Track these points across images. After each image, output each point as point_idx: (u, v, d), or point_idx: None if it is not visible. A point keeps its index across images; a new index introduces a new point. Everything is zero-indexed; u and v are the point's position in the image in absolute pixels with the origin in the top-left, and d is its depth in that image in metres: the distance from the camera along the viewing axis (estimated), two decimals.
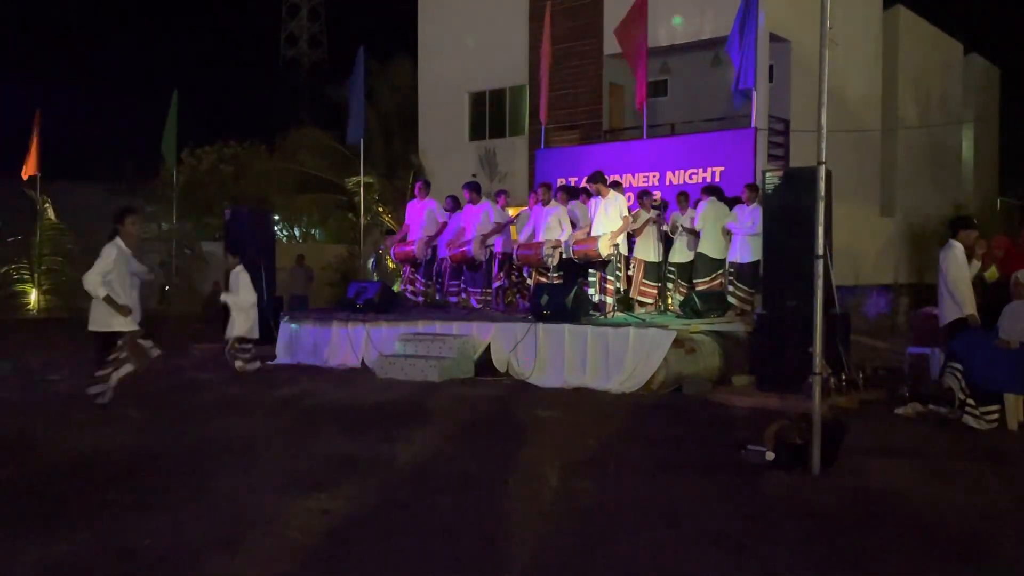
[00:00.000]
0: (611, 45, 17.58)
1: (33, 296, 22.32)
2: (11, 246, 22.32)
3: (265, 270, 13.23)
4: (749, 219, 10.73)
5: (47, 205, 22.28)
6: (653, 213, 11.50)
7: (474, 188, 12.10)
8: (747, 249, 10.84)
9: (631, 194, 12.10)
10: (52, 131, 21.68)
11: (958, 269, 8.00)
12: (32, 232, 22.24)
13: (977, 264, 8.36)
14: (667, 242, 11.71)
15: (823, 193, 5.69)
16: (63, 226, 22.65)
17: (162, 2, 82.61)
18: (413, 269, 12.70)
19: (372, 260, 17.14)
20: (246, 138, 30.01)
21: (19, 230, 22.28)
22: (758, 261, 10.78)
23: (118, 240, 7.88)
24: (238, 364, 10.53)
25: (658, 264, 11.56)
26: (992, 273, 8.83)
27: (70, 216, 23.09)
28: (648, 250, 11.46)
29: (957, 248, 8.07)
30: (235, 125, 35.76)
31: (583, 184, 12.90)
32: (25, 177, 21.00)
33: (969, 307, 7.98)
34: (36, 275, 22.32)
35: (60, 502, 5.09)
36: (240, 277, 10.74)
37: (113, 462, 6.11)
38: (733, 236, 11.06)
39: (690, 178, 12.94)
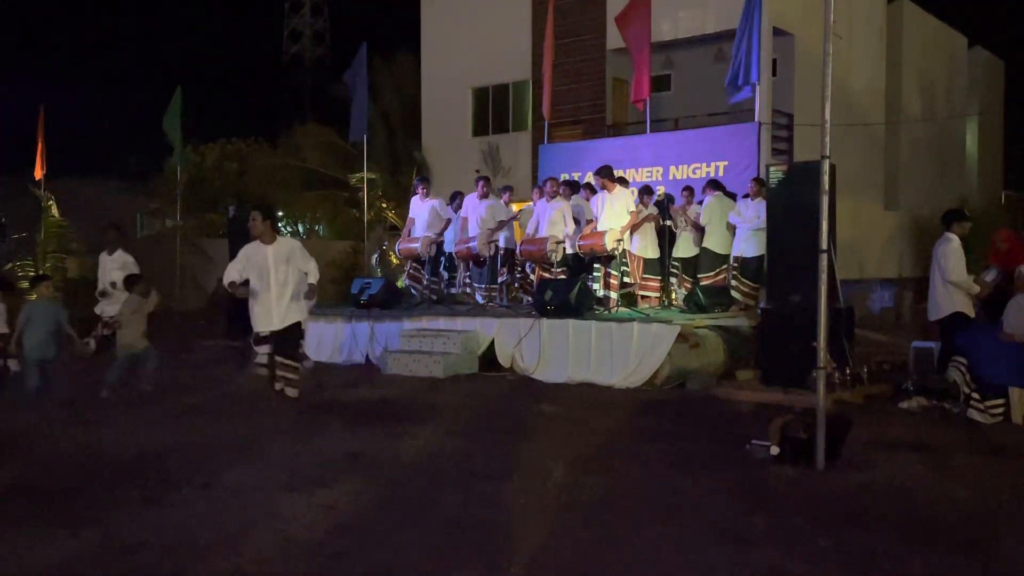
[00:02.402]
0: (614, 40, 17.56)
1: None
2: (15, 243, 22.36)
3: None
4: (754, 213, 10.71)
5: (51, 202, 22.31)
6: (653, 210, 11.49)
7: (487, 181, 12.22)
8: (751, 244, 10.82)
9: (634, 189, 12.10)
10: (56, 128, 21.70)
11: (958, 262, 7.99)
12: (36, 229, 22.27)
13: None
14: (671, 237, 11.71)
15: (827, 187, 5.69)
16: (67, 223, 22.69)
17: None
18: (417, 265, 12.71)
19: (376, 256, 17.14)
20: (250, 135, 30.06)
21: (23, 227, 22.32)
22: (763, 256, 10.79)
23: (256, 239, 7.83)
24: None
25: (657, 260, 11.54)
26: None
27: (74, 213, 23.11)
28: (645, 247, 11.44)
29: (955, 241, 8.06)
30: (239, 122, 35.86)
31: (586, 179, 12.94)
32: (38, 177, 21.05)
33: (974, 289, 8.03)
34: (40, 272, 22.34)
35: (66, 498, 5.11)
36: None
37: (118, 458, 6.13)
38: (737, 230, 11.05)
39: (693, 173, 12.93)
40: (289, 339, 7.80)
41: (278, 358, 7.78)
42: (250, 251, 7.73)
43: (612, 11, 17.60)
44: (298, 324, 7.84)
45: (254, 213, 7.76)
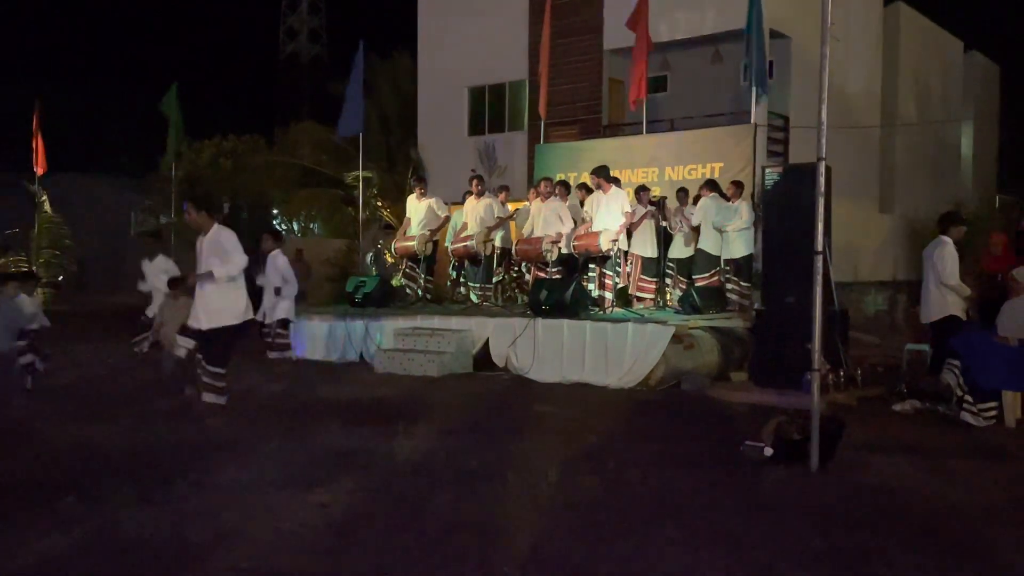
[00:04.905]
0: (611, 40, 17.58)
1: None
2: (9, 239, 22.31)
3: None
4: (736, 215, 10.86)
5: (44, 198, 22.27)
6: (651, 208, 11.52)
7: (481, 180, 12.24)
8: (738, 245, 10.95)
9: (629, 189, 12.10)
10: (50, 124, 21.63)
11: (953, 265, 8.01)
12: (30, 225, 22.23)
13: None
14: (666, 237, 11.72)
15: (823, 189, 5.70)
16: (60, 219, 22.66)
17: None
18: (413, 264, 12.70)
19: (371, 255, 17.12)
20: (245, 132, 29.99)
21: (17, 223, 22.28)
22: (751, 255, 10.89)
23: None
24: (287, 354, 9.85)
25: (655, 260, 11.57)
26: None
27: (68, 209, 23.08)
28: (645, 246, 11.48)
29: (950, 244, 8.08)
30: (235, 119, 35.76)
31: (581, 180, 12.94)
32: (39, 173, 20.98)
33: (966, 292, 8.06)
34: (34, 268, 22.29)
35: (59, 495, 5.09)
36: (279, 260, 9.77)
37: (112, 455, 6.12)
38: (724, 234, 11.09)
39: (689, 174, 12.92)
40: (213, 342, 7.16)
41: (199, 356, 7.24)
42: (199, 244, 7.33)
43: (609, 11, 17.62)
44: (226, 329, 7.15)
45: (187, 204, 7.22)
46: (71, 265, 22.21)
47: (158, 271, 10.14)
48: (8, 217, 22.82)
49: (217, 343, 7.17)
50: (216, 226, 7.24)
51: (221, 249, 7.09)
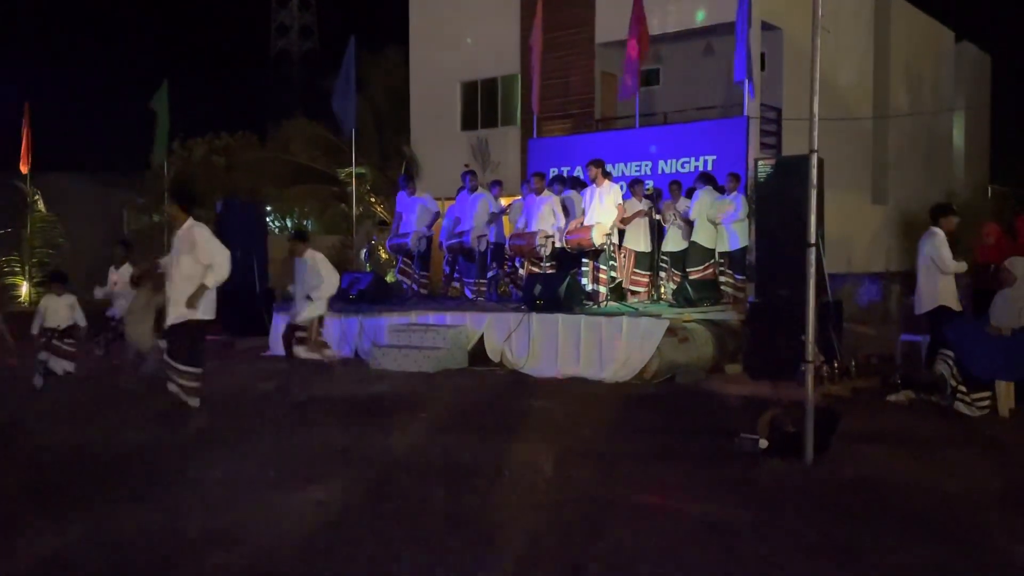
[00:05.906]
0: (603, 34, 17.58)
1: (24, 288, 22.26)
2: (1, 239, 22.25)
3: (258, 262, 13.22)
4: (731, 207, 10.85)
5: (37, 197, 22.20)
6: (645, 203, 11.51)
7: (474, 175, 12.25)
8: (735, 237, 10.94)
9: (623, 183, 12.12)
10: (41, 123, 21.55)
11: (947, 253, 8.03)
12: (22, 224, 22.15)
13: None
14: (660, 231, 11.73)
15: (815, 181, 5.70)
16: (53, 218, 22.59)
17: None
18: (408, 260, 12.70)
19: (365, 251, 17.10)
20: (238, 129, 29.89)
21: (9, 223, 22.22)
22: (745, 247, 10.89)
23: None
24: (328, 352, 9.56)
25: (648, 254, 11.57)
26: None
27: (61, 208, 23.02)
28: (638, 240, 11.46)
29: (940, 235, 8.10)
30: (226, 116, 35.65)
31: (575, 173, 12.94)
32: (24, 171, 20.91)
33: (964, 267, 8.13)
34: (27, 267, 22.24)
35: (52, 495, 5.08)
36: (316, 257, 9.17)
37: (105, 454, 6.11)
38: (719, 226, 11.10)
39: (682, 167, 12.95)
40: (179, 339, 6.97)
41: (166, 358, 7.04)
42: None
43: (601, 5, 17.62)
44: (190, 324, 6.93)
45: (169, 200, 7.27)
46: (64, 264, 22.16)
47: (123, 280, 10.03)
48: (2, 217, 22.73)
49: (180, 338, 7.01)
50: (189, 220, 7.14)
51: (191, 244, 6.98)
